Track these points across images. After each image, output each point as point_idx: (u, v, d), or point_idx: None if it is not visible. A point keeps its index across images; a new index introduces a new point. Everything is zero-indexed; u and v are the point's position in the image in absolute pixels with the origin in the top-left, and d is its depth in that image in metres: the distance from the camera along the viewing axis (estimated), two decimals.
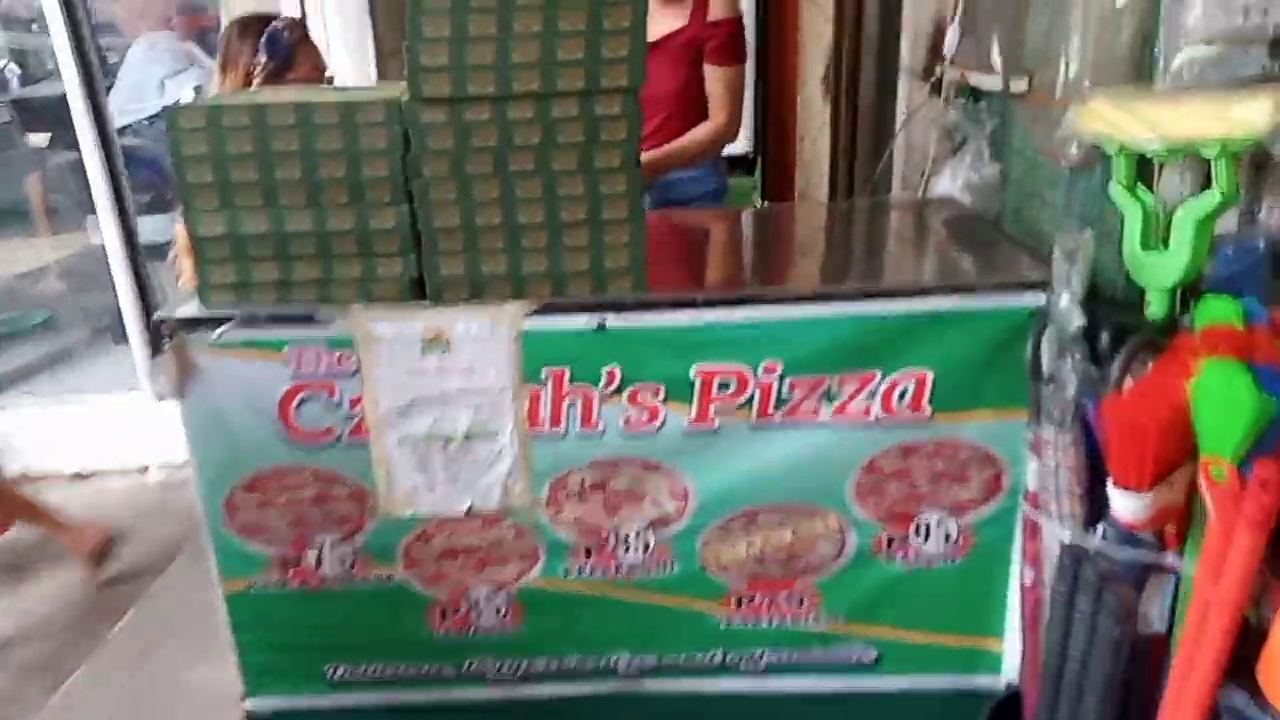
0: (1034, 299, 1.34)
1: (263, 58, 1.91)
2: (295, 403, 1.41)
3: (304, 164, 1.29)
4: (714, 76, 2.06)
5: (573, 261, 1.35)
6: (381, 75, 2.70)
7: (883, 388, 1.39)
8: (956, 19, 2.27)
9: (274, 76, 1.92)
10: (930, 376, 1.38)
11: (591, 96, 1.26)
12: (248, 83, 1.93)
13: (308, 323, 1.37)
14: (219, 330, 1.37)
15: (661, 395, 1.40)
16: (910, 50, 2.62)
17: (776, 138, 3.73)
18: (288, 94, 1.43)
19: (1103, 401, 1.12)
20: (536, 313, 1.36)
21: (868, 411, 1.40)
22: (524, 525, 1.49)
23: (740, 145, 3.51)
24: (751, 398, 1.39)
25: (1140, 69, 1.34)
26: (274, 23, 1.92)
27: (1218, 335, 1.05)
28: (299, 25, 1.96)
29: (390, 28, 2.77)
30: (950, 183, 2.25)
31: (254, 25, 1.93)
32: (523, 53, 1.23)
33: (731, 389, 1.39)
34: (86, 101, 2.76)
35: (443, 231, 1.33)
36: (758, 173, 3.65)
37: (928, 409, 1.40)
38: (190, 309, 1.39)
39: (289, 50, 1.92)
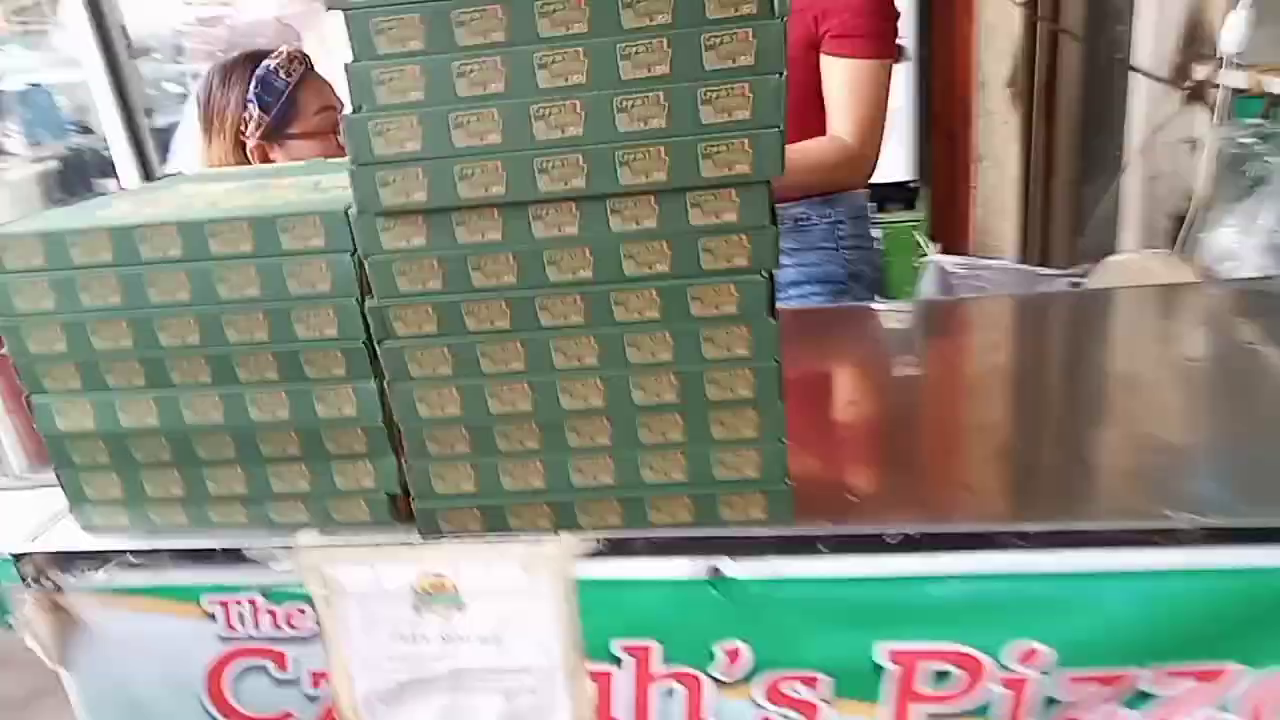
0: None
1: (254, 109, 1.50)
2: (230, 675, 0.96)
3: (202, 320, 0.83)
4: (832, 72, 1.41)
5: (660, 467, 0.83)
6: None
7: (1242, 692, 0.81)
8: (1244, 2, 1.67)
9: (273, 132, 1.52)
10: None
11: (684, 195, 0.74)
12: (240, 145, 1.54)
13: (234, 561, 0.91)
14: (102, 570, 0.93)
15: (825, 689, 0.86)
16: (1153, 42, 2.00)
17: (945, 159, 3.07)
18: (203, 193, 0.97)
19: None
20: (599, 553, 0.86)
21: None
22: None
23: (899, 168, 2.86)
24: (988, 702, 0.84)
25: None
26: (265, 61, 1.51)
27: None
28: (299, 59, 1.53)
29: None
30: (1238, 239, 1.63)
31: (240, 68, 1.53)
32: (557, 120, 0.72)
33: (953, 684, 0.84)
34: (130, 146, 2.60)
35: (434, 425, 0.83)
36: (923, 207, 2.99)
37: None
38: (63, 536, 0.96)
39: (288, 94, 1.51)
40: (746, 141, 0.72)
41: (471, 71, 0.72)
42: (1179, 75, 2.03)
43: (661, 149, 0.72)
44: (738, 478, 0.83)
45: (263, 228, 0.80)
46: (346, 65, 0.73)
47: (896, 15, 1.44)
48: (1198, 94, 1.98)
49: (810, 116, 1.42)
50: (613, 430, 0.82)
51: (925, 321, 1.42)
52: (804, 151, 1.40)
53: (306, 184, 0.96)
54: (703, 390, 0.80)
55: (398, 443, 0.86)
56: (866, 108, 1.40)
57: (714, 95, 0.71)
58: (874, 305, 1.50)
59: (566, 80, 0.71)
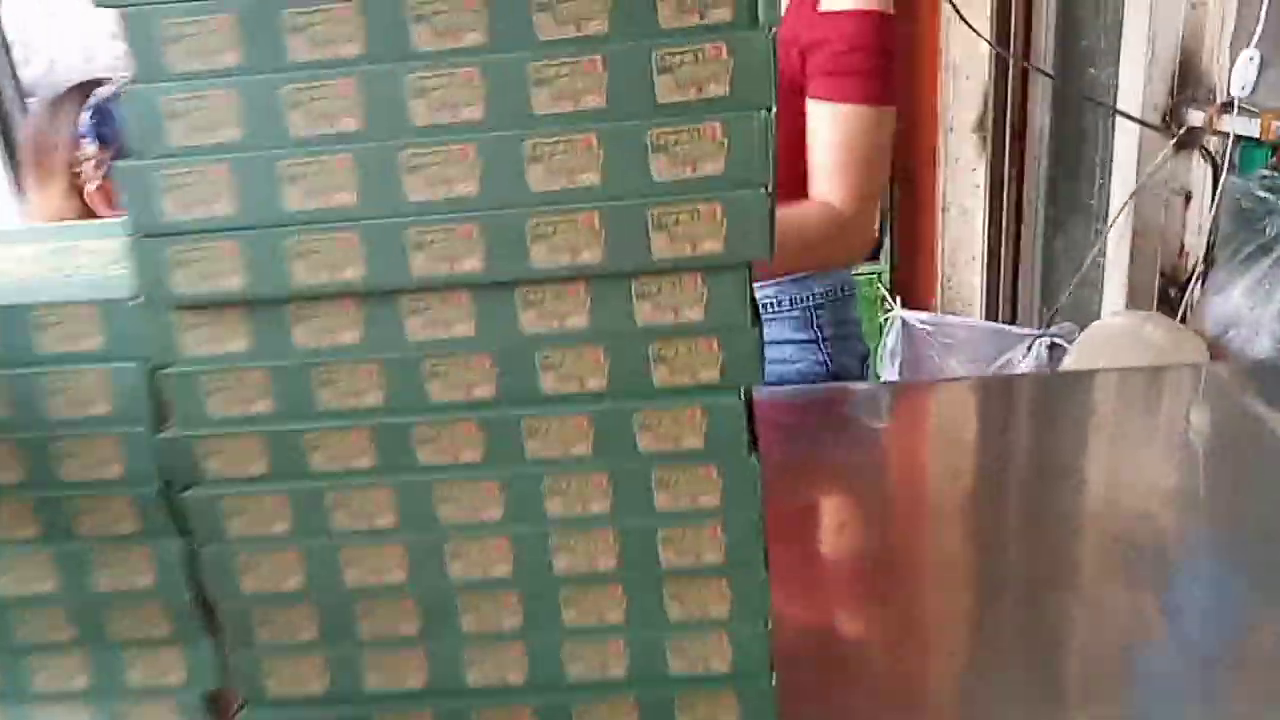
0: None
1: (90, 146, 1.29)
2: None
3: None
4: (820, 120, 1.13)
5: (592, 659, 0.61)
6: None
7: None
8: (1254, 40, 1.58)
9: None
10: None
11: (627, 283, 0.53)
12: (77, 189, 1.32)
13: None
14: None
15: None
16: (1140, 84, 1.90)
17: (909, 209, 2.96)
18: None
19: None
20: None
21: None
22: None
23: None
24: None
25: None
26: (98, 90, 1.30)
27: None
28: None
29: None
30: (1246, 303, 1.51)
31: (71, 98, 1.32)
32: (440, 173, 0.51)
33: None
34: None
35: (266, 603, 0.60)
36: (885, 257, 2.87)
37: None
38: None
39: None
40: (718, 208, 0.51)
41: (312, 100, 0.50)
42: (1168, 120, 1.91)
43: (594, 216, 0.51)
44: (701, 673, 0.61)
45: (12, 321, 0.57)
46: (123, 89, 0.51)
47: (894, 55, 1.21)
48: (1189, 141, 1.86)
49: (793, 181, 1.17)
50: (524, 609, 0.60)
51: (909, 421, 1.23)
52: (781, 219, 1.16)
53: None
54: (654, 554, 0.58)
55: (216, 623, 0.63)
56: (862, 166, 1.12)
57: (671, 140, 0.50)
58: (851, 387, 1.30)
59: (454, 115, 0.50)
